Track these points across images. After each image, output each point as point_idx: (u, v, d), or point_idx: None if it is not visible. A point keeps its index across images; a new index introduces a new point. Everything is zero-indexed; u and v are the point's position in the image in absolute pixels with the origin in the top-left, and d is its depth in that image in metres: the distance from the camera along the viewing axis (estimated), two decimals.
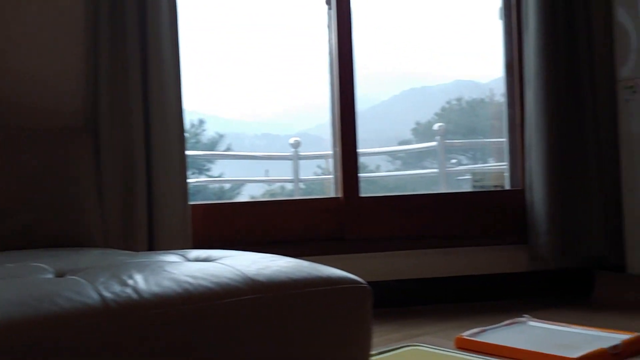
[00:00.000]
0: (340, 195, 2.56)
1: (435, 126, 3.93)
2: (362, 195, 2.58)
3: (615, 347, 1.72)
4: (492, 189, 2.84)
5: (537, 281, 2.64)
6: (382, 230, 2.57)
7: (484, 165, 3.66)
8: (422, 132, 4.08)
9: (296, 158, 3.89)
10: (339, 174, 2.56)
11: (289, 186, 4.17)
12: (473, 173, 3.17)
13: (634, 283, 2.48)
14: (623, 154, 2.57)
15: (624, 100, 2.54)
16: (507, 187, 2.79)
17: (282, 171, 4.30)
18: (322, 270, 1.18)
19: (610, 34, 2.60)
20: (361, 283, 1.21)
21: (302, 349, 1.11)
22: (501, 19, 2.77)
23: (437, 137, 3.90)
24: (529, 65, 2.57)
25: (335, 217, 2.54)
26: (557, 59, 2.53)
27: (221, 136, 4.31)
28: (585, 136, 2.58)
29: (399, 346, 1.87)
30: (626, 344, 1.76)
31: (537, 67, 2.52)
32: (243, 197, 4.26)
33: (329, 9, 2.56)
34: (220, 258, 1.28)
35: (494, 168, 3.16)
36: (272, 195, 4.27)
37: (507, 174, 2.80)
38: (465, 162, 4.16)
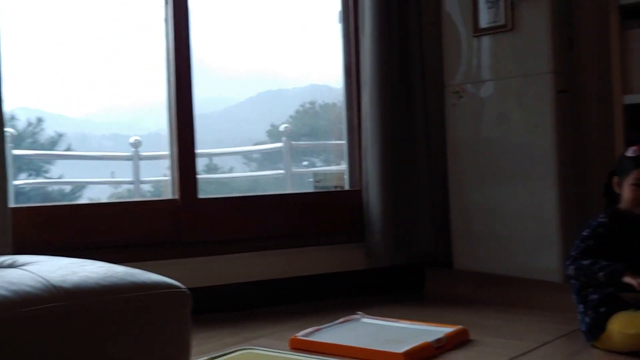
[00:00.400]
0: (177, 196, 2.48)
1: (282, 127, 3.95)
2: (202, 196, 2.51)
3: (439, 340, 1.80)
4: (333, 190, 2.90)
5: (373, 278, 2.72)
6: (222, 232, 2.52)
7: (327, 168, 3.72)
8: (276, 134, 4.09)
9: (137, 158, 3.73)
10: (176, 174, 2.48)
11: (146, 187, 4.00)
12: (315, 174, 3.21)
13: (460, 278, 2.63)
14: (450, 156, 2.71)
15: (451, 104, 2.69)
16: (347, 187, 2.85)
17: (130, 172, 4.11)
18: (136, 276, 1.11)
19: (440, 40, 2.74)
20: (179, 287, 1.16)
21: (117, 355, 1.05)
22: (340, 22, 2.83)
23: (284, 138, 3.92)
24: (365, 69, 2.64)
25: (172, 219, 2.45)
26: (391, 63, 2.62)
27: (61, 135, 4.05)
28: (417, 139, 2.70)
29: (231, 350, 1.83)
30: (449, 337, 1.84)
31: (372, 71, 2.60)
32: (84, 200, 4.03)
33: (166, 3, 2.47)
34: (26, 264, 1.18)
35: (336, 169, 3.22)
36: (119, 198, 4.07)
37: (347, 175, 2.87)
38: (319, 164, 4.22)
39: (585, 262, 1.75)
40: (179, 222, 2.45)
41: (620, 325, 1.69)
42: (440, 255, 2.81)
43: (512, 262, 2.52)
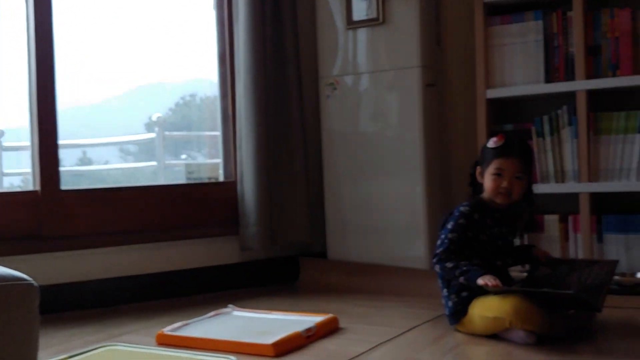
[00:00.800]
0: (37, 188, 2.32)
1: (154, 117, 3.82)
2: (64, 188, 2.37)
3: (309, 329, 1.80)
4: (206, 181, 2.84)
5: (247, 271, 2.68)
6: (87, 225, 2.38)
7: (201, 161, 3.64)
8: (151, 125, 3.95)
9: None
10: (37, 166, 2.32)
11: (15, 181, 3.71)
12: (187, 165, 3.13)
13: (334, 268, 2.65)
14: (325, 148, 2.73)
15: (325, 96, 2.70)
16: (221, 179, 2.80)
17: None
18: None
19: (315, 31, 2.74)
20: (25, 280, 1.08)
21: None
22: (214, 9, 2.77)
23: (156, 129, 3.79)
24: (239, 58, 2.60)
25: (32, 212, 2.30)
26: (265, 52, 2.60)
27: None
28: (292, 130, 2.70)
29: (94, 347, 1.73)
30: (319, 326, 1.85)
31: (246, 60, 2.56)
32: None
33: None
34: None
35: (210, 161, 3.15)
36: None
37: (221, 167, 2.81)
38: (198, 157, 4.12)
39: (449, 265, 1.80)
40: (40, 215, 2.30)
41: (480, 309, 1.76)
42: (315, 245, 2.83)
43: (383, 252, 2.57)
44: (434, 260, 1.85)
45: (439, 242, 1.87)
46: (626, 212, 2.30)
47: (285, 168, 2.68)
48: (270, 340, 1.69)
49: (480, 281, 1.71)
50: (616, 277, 2.14)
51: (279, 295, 2.51)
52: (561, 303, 1.77)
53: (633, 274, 2.18)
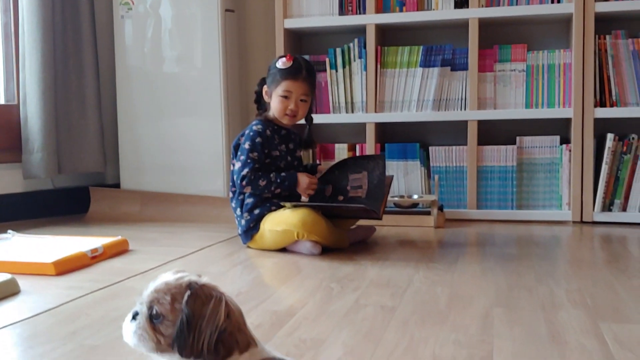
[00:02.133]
0: None
1: None
2: None
3: (94, 250, 1.73)
4: None
5: (33, 202, 2.51)
6: None
7: None
8: None
9: None
10: None
11: None
12: None
13: (128, 198, 2.57)
14: (118, 73, 2.60)
15: (119, 16, 2.57)
16: (2, 101, 2.56)
17: None
18: None
19: None
20: None
21: None
22: None
23: None
24: None
25: None
26: None
27: None
28: (83, 49, 2.53)
29: None
30: (107, 247, 1.79)
31: None
32: None
33: None
34: None
35: None
36: None
37: (2, 88, 2.57)
38: None
39: (262, 183, 1.82)
40: None
41: (270, 224, 1.82)
42: (108, 176, 2.71)
43: (181, 186, 2.54)
44: (244, 182, 1.83)
45: (239, 164, 1.85)
46: (405, 140, 2.49)
47: (74, 91, 2.52)
48: (51, 259, 1.60)
49: (304, 196, 1.87)
50: (395, 199, 2.32)
51: (67, 225, 2.39)
52: (347, 215, 1.89)
53: (410, 196, 2.37)
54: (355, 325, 1.15)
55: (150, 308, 0.71)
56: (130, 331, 0.72)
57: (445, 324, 1.15)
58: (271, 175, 1.84)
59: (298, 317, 1.20)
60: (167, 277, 0.73)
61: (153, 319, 0.71)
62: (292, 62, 1.88)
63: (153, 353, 0.73)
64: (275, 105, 1.89)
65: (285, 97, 1.88)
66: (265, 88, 1.93)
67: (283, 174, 1.85)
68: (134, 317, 0.73)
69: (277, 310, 1.24)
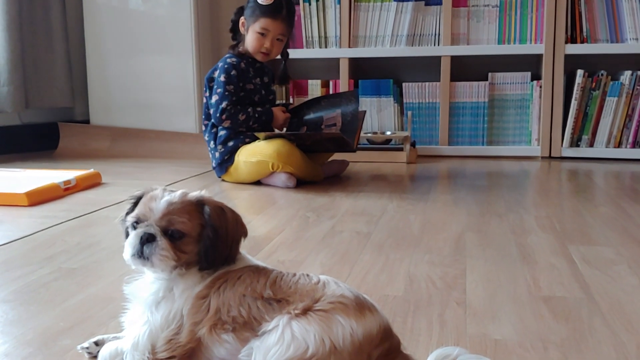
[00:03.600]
0: None
1: None
2: None
3: (67, 182, 1.72)
4: None
5: (2, 137, 2.46)
6: None
7: None
8: None
9: None
10: None
11: None
12: None
13: (98, 133, 2.53)
14: (86, 7, 2.52)
15: None
16: None
17: None
18: None
19: None
20: None
21: None
22: None
23: None
24: None
25: None
26: None
27: None
28: None
29: None
30: (79, 180, 1.77)
31: None
32: None
33: None
34: None
35: None
36: None
37: None
38: None
39: (241, 117, 1.81)
40: None
41: (245, 156, 1.81)
42: (77, 112, 2.67)
43: (152, 122, 2.50)
44: (224, 115, 1.80)
45: (216, 96, 1.82)
46: (379, 77, 2.49)
47: (40, 24, 2.45)
48: (24, 190, 1.58)
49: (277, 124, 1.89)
50: (368, 135, 2.33)
51: (36, 160, 2.35)
52: (321, 148, 1.89)
53: (383, 132, 2.39)
54: (332, 248, 1.17)
55: (166, 228, 0.70)
56: (150, 255, 0.68)
57: (419, 246, 1.17)
58: (249, 109, 1.83)
59: (275, 242, 1.21)
60: (167, 196, 0.71)
61: (173, 238, 0.69)
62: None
63: (167, 273, 0.70)
64: (250, 41, 1.86)
65: (262, 34, 1.85)
66: (242, 19, 1.89)
67: (259, 108, 1.85)
68: (148, 241, 0.69)
69: (254, 236, 1.25)
